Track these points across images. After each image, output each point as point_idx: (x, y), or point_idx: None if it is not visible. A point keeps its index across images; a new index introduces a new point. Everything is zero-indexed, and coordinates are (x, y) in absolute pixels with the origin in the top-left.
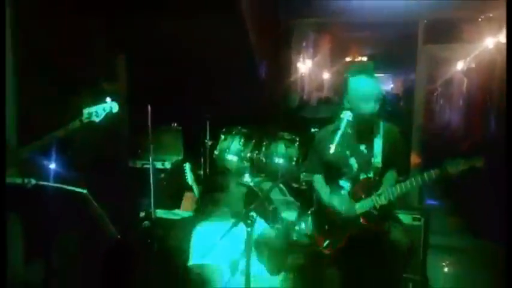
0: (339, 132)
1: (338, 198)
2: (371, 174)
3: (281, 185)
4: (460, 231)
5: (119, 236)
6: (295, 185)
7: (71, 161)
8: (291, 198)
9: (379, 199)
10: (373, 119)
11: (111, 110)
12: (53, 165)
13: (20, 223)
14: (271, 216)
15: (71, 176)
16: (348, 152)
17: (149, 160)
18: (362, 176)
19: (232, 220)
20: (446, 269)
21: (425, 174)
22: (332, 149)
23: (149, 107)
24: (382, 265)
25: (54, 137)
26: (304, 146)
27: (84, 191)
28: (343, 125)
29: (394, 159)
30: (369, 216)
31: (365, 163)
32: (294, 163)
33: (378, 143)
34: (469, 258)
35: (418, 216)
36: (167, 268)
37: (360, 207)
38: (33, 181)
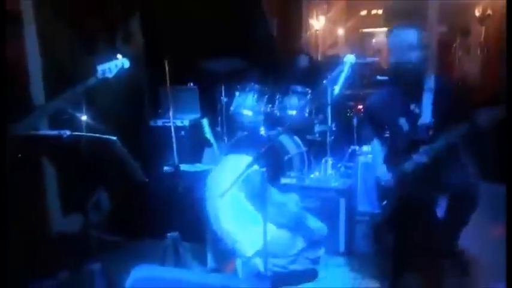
0: (342, 75)
1: None
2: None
3: (296, 137)
4: None
5: (146, 180)
6: (309, 137)
7: (92, 116)
8: (305, 149)
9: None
10: (420, 71)
11: (122, 66)
12: (77, 119)
13: (57, 173)
14: (286, 165)
15: (94, 128)
16: (396, 111)
17: (169, 118)
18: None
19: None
20: None
21: (453, 131)
22: (336, 90)
23: (166, 63)
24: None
25: (74, 93)
26: (316, 98)
27: (114, 138)
28: (346, 67)
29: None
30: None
31: (415, 123)
32: (306, 115)
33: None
34: None
35: None
36: (190, 208)
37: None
38: (68, 132)
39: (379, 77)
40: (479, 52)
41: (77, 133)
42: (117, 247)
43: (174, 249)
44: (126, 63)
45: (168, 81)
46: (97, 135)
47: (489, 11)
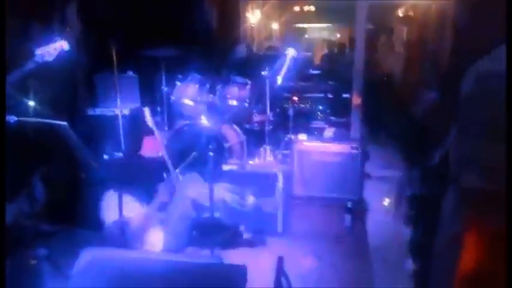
0: (284, 67)
1: None
2: None
3: (235, 126)
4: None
5: (95, 165)
6: (247, 126)
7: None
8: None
9: None
10: None
11: (62, 49)
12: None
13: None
14: (226, 153)
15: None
16: None
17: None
18: None
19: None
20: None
21: None
22: (279, 80)
23: (113, 51)
24: None
25: (11, 77)
26: (255, 89)
27: (64, 123)
28: (287, 60)
29: None
30: None
31: None
32: (246, 104)
33: None
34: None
35: (356, 145)
36: None
37: None
38: (15, 118)
39: (312, 71)
40: (401, 49)
41: (24, 118)
42: (63, 234)
43: (120, 235)
44: (65, 45)
45: (115, 70)
46: (46, 120)
47: (411, 12)
